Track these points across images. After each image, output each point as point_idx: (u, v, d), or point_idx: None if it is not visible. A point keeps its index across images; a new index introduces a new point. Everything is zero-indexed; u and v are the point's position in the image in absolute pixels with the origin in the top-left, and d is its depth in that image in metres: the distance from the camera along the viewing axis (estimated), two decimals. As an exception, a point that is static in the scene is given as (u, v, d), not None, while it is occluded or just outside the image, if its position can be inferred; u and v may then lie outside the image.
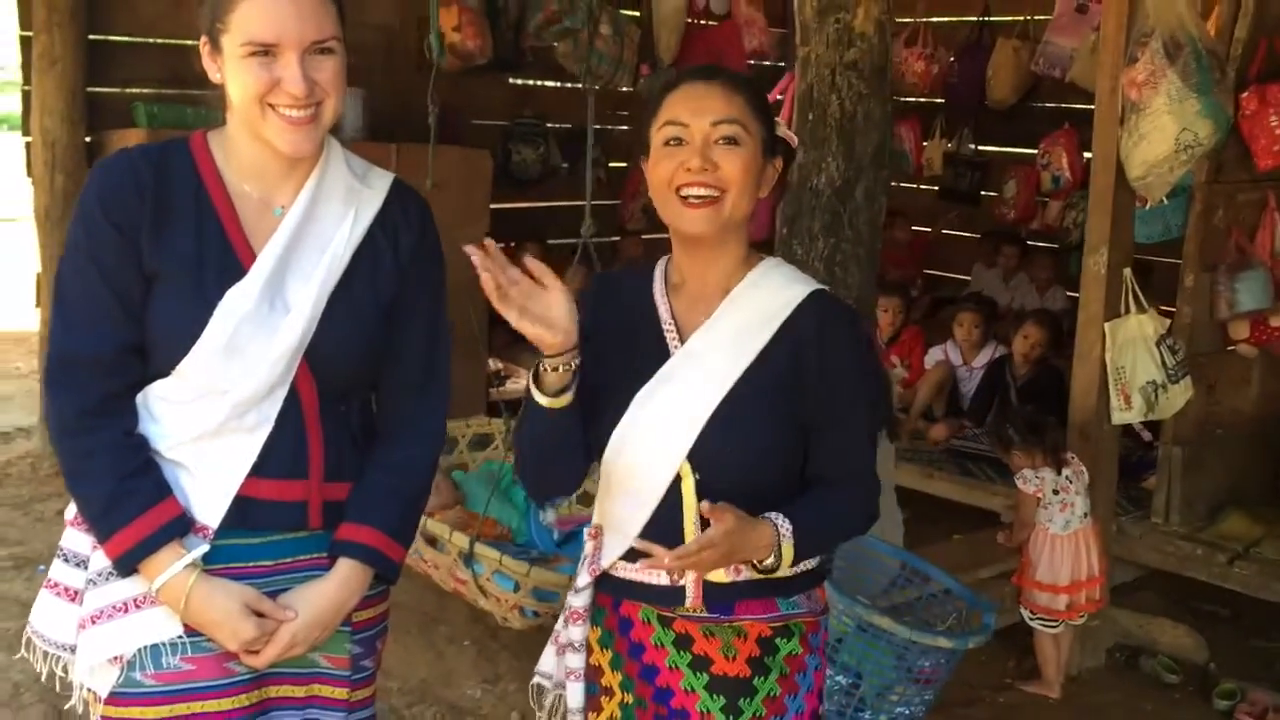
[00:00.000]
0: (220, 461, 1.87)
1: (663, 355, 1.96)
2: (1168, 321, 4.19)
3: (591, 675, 2.05)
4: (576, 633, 2.03)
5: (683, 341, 1.96)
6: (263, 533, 1.91)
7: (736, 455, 1.90)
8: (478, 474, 4.27)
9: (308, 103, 1.83)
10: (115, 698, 1.86)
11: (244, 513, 1.88)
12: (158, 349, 1.85)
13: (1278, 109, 4.28)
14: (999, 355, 5.56)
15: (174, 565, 1.82)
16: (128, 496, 1.82)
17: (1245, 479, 4.86)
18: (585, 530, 2.05)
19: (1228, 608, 4.74)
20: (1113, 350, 4.10)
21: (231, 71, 1.83)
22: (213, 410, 1.86)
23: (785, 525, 1.86)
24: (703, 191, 1.88)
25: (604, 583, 2.03)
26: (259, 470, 1.88)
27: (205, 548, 1.85)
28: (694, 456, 1.90)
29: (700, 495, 1.88)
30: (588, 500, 4.22)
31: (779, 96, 3.33)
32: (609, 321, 2.02)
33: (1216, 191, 4.45)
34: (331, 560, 1.95)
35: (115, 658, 1.86)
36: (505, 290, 1.77)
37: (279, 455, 1.89)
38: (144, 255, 1.83)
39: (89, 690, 1.91)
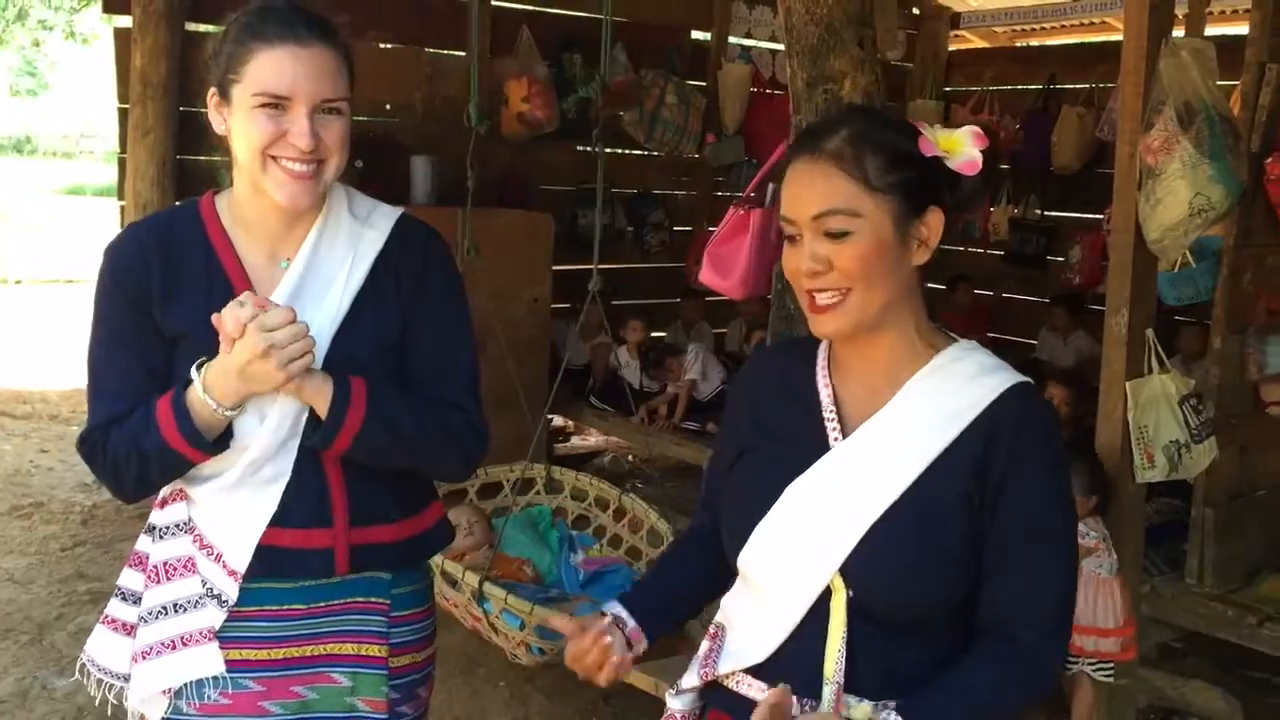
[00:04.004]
0: (242, 511, 1.92)
1: (820, 447, 1.69)
2: (1191, 382, 4.21)
3: None
4: None
5: (845, 434, 1.69)
6: (291, 579, 1.95)
7: (899, 573, 1.60)
8: (516, 518, 4.43)
9: (311, 158, 1.83)
10: None
11: (269, 561, 1.92)
12: None
13: (1303, 174, 4.33)
14: (1041, 417, 5.55)
15: (193, 394, 1.84)
16: (143, 422, 1.87)
17: (1283, 542, 4.80)
18: (708, 628, 1.84)
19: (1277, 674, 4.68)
20: (1135, 410, 4.13)
21: (239, 122, 1.84)
22: (229, 464, 1.90)
23: None
24: (826, 299, 1.63)
25: (719, 696, 1.78)
26: (280, 520, 1.91)
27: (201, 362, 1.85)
28: (848, 570, 1.62)
29: (851, 614, 1.63)
30: (617, 542, 4.38)
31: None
32: (763, 403, 1.80)
33: (1245, 255, 4.46)
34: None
35: (165, 690, 1.95)
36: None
37: (302, 505, 1.92)
38: (160, 322, 1.89)
39: (142, 716, 2.01)
